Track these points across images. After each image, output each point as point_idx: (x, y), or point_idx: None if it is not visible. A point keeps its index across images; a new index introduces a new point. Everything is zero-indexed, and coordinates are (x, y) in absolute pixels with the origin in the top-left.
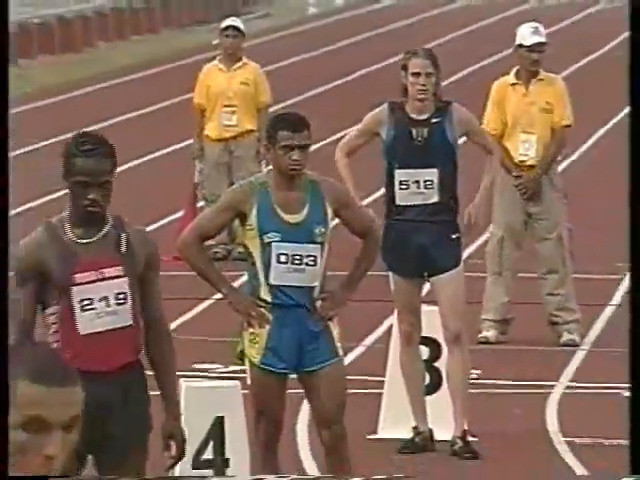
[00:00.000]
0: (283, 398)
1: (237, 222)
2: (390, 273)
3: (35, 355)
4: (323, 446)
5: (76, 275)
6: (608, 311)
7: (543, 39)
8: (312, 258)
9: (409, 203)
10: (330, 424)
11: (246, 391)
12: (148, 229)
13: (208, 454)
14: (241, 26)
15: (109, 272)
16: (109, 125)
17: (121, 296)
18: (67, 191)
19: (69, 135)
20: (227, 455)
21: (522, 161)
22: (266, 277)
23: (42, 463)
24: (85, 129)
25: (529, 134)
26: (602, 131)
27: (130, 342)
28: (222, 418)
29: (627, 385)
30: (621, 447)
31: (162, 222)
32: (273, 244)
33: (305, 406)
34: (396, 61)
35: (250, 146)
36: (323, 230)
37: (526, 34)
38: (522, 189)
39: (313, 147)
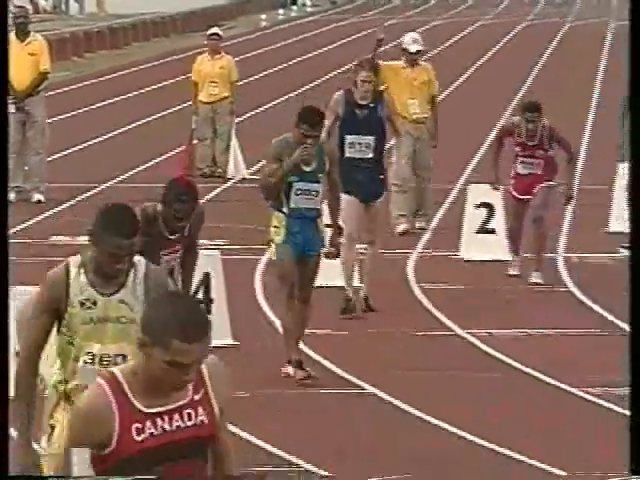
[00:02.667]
0: (295, 267)
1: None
2: (343, 195)
3: (180, 314)
4: (299, 304)
5: None
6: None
7: (420, 47)
8: (316, 192)
9: (354, 156)
10: (309, 289)
11: (226, 256)
12: (164, 157)
13: (200, 295)
14: (220, 33)
15: None
16: (136, 95)
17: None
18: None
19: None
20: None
21: (413, 114)
22: (288, 202)
23: (181, 384)
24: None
25: (413, 99)
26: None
27: None
28: (209, 273)
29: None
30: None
31: (171, 153)
32: (294, 183)
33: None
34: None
35: (226, 107)
36: (322, 175)
37: (409, 42)
38: (417, 131)
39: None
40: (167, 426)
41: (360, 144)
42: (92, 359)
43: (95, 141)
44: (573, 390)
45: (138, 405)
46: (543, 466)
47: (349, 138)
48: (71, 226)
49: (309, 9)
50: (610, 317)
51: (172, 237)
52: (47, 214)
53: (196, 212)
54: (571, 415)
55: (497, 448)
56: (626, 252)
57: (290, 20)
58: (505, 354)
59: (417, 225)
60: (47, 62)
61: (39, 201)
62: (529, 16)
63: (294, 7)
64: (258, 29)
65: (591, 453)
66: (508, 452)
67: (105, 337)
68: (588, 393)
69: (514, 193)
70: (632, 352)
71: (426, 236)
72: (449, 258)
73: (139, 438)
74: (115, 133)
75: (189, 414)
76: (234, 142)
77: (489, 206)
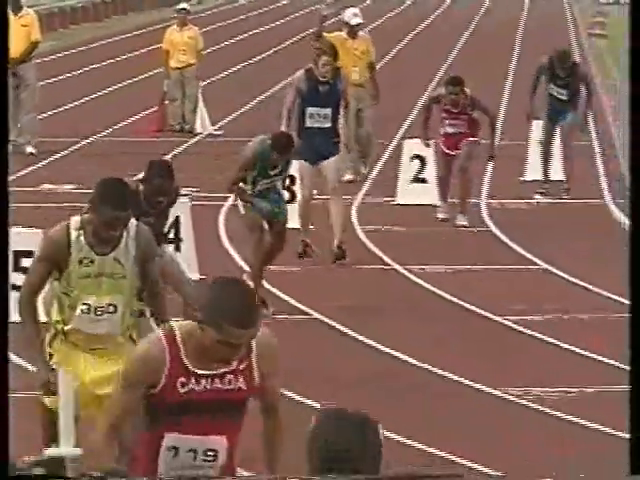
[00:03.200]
0: (262, 221)
1: None
2: (300, 161)
3: (234, 303)
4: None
5: None
6: None
7: (360, 20)
8: (278, 189)
9: (314, 126)
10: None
11: (194, 202)
12: (140, 115)
13: (171, 235)
14: (188, 7)
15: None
16: (116, 61)
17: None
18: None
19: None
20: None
21: (355, 79)
22: (253, 189)
23: (228, 359)
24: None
25: (355, 67)
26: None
27: None
28: (178, 217)
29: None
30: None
31: (147, 112)
32: (258, 183)
33: None
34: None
35: (193, 72)
36: (283, 175)
37: (350, 16)
38: (358, 93)
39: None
40: (208, 386)
41: (319, 115)
42: (88, 309)
43: (80, 101)
44: (495, 318)
45: (187, 363)
46: (469, 383)
47: (310, 110)
48: (59, 175)
49: None
50: (526, 254)
51: (151, 211)
52: (38, 165)
53: (173, 188)
54: (493, 337)
55: (430, 368)
56: (540, 197)
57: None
58: (436, 286)
59: (362, 171)
60: (37, 33)
61: (31, 153)
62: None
63: None
64: (220, 5)
65: (508, 367)
66: (439, 371)
67: (100, 290)
68: (507, 320)
69: (443, 148)
70: (632, 352)
71: (367, 184)
72: (387, 203)
73: (182, 390)
74: (97, 95)
75: (229, 380)
76: (200, 103)
77: (421, 159)
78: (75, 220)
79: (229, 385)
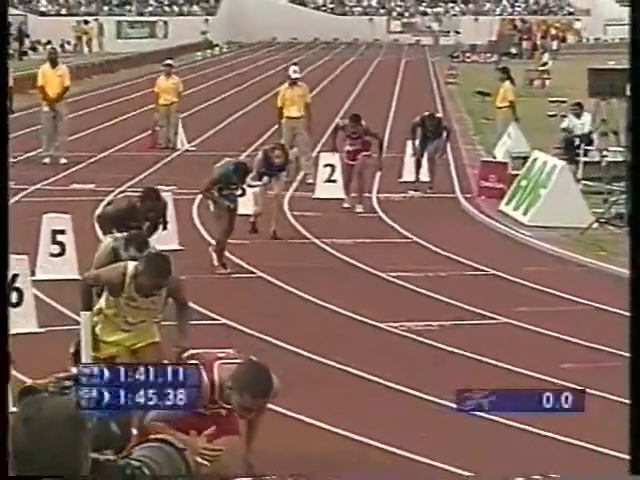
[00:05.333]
0: (227, 214)
1: None
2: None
3: (253, 375)
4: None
5: None
6: None
7: (298, 75)
8: (236, 195)
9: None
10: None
11: (175, 196)
12: (140, 137)
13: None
14: (172, 62)
15: None
16: (122, 100)
17: None
18: None
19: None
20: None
21: (295, 115)
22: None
23: (241, 417)
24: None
25: (294, 106)
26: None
27: None
28: (165, 205)
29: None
30: None
31: (143, 135)
32: (223, 190)
33: None
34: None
35: (175, 107)
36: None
37: (292, 72)
38: (295, 124)
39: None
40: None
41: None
42: (125, 321)
43: (97, 128)
44: (382, 275)
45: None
46: (365, 320)
47: None
48: (84, 178)
49: (225, 49)
50: (403, 231)
51: (146, 222)
52: (69, 171)
53: (160, 206)
54: (380, 288)
55: (353, 315)
56: (412, 192)
57: (214, 56)
58: (342, 253)
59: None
60: (68, 81)
61: (64, 163)
62: (359, 53)
63: (217, 48)
64: (195, 61)
65: (389, 307)
66: (357, 316)
67: (138, 314)
68: (389, 275)
69: (346, 160)
70: (632, 353)
71: (295, 184)
72: (309, 197)
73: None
74: (109, 123)
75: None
76: (180, 128)
77: (332, 166)
78: (131, 268)
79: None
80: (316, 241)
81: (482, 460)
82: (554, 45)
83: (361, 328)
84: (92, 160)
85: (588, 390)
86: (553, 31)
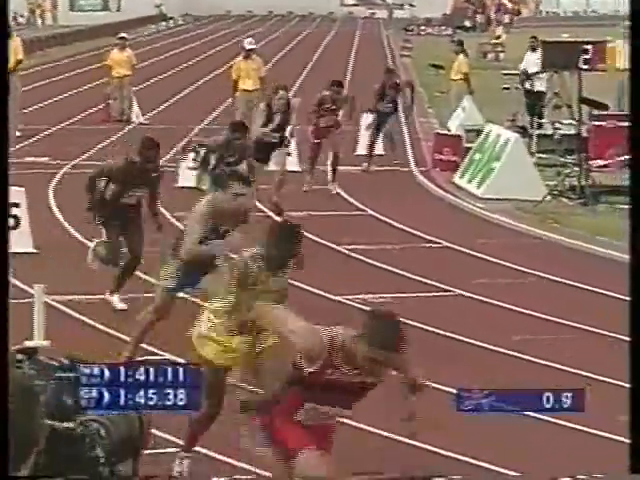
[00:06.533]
0: None
1: None
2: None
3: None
4: None
5: None
6: None
7: (253, 46)
8: None
9: None
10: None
11: None
12: (94, 109)
13: None
14: (126, 35)
15: None
16: (77, 73)
17: None
18: None
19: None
20: None
21: (249, 88)
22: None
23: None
24: None
25: (249, 79)
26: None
27: None
28: None
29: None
30: None
31: (99, 107)
32: None
33: None
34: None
35: (128, 80)
36: None
37: (246, 43)
38: (250, 97)
39: None
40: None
41: None
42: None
43: (51, 101)
44: (337, 247)
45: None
46: (321, 292)
47: None
48: (38, 150)
49: (180, 22)
50: (357, 203)
51: (142, 182)
52: (23, 143)
53: (159, 158)
54: (334, 258)
55: (308, 287)
56: (366, 165)
57: (168, 29)
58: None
59: None
60: (21, 54)
61: (18, 136)
62: (314, 26)
63: (171, 21)
64: (150, 34)
65: (344, 278)
66: (312, 289)
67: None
68: (344, 248)
69: (313, 139)
70: (632, 354)
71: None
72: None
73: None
74: (62, 96)
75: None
76: (134, 101)
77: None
78: (249, 254)
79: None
80: (275, 217)
81: (526, 460)
82: (506, 18)
83: (317, 300)
84: (46, 133)
85: (543, 362)
86: (508, 4)
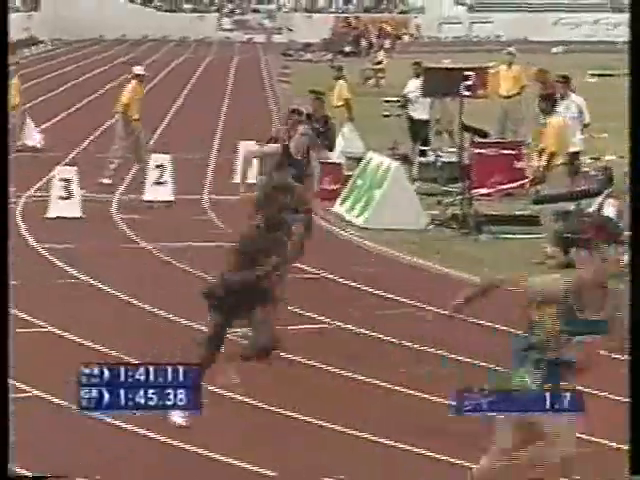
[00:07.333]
0: None
1: None
2: None
3: None
4: None
5: None
6: None
7: (142, 72)
8: None
9: None
10: None
11: None
12: None
13: None
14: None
15: None
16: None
17: None
18: None
19: None
20: None
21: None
22: None
23: None
24: None
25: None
26: None
27: None
28: None
29: None
30: None
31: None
32: None
33: None
34: None
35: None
36: None
37: (137, 70)
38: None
39: None
40: None
41: None
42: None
43: None
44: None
45: None
46: (191, 323)
47: None
48: None
49: (50, 47)
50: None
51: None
52: None
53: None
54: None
55: (175, 318)
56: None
57: (39, 54)
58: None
59: None
60: None
61: None
62: (190, 51)
63: (41, 45)
64: (20, 59)
65: None
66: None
67: None
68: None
69: None
70: (632, 354)
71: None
72: (138, 199)
73: None
74: None
75: None
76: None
77: (162, 167)
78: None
79: None
80: (146, 245)
81: None
82: (387, 43)
83: (181, 330)
84: None
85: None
86: (388, 29)
